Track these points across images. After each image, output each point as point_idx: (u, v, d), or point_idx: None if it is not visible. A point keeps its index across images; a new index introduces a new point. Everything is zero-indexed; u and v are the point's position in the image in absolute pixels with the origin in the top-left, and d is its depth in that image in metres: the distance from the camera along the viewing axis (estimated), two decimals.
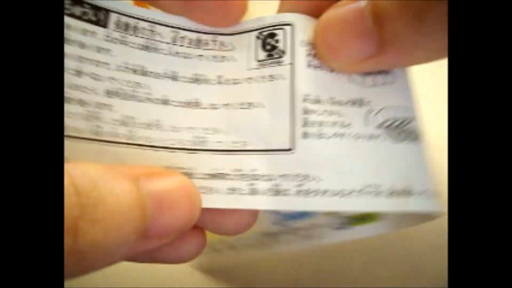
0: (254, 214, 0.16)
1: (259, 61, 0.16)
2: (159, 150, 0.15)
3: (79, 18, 0.16)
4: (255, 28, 0.17)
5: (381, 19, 0.14)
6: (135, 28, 0.16)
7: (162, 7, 0.17)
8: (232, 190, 0.15)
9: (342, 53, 0.15)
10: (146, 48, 0.16)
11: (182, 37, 0.17)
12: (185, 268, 0.26)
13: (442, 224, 0.21)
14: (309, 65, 0.16)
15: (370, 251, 0.26)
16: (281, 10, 0.18)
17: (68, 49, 0.15)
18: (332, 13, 0.15)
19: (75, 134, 0.15)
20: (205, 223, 0.16)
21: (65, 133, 0.15)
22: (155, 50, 0.16)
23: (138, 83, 0.16)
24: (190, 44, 0.17)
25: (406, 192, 0.15)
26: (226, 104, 0.16)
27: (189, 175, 0.15)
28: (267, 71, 0.16)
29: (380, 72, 0.16)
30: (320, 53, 0.16)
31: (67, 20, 0.16)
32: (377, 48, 0.15)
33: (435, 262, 0.25)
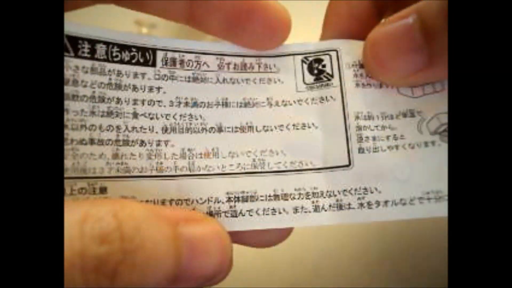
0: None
1: (307, 84, 0.17)
2: (219, 177, 0.16)
3: (128, 62, 0.17)
4: (300, 53, 0.17)
5: (429, 33, 0.15)
6: (182, 62, 0.17)
7: (208, 30, 0.17)
8: (297, 209, 0.16)
9: (393, 68, 0.16)
10: (194, 79, 0.17)
11: (227, 63, 0.17)
12: None
13: (442, 224, 0.21)
14: (357, 85, 0.17)
15: (370, 251, 0.26)
16: (324, 35, 0.19)
17: (122, 94, 0.16)
18: (381, 30, 0.16)
19: (139, 174, 0.16)
20: (243, 240, 0.16)
21: (130, 173, 0.16)
22: (204, 80, 0.17)
23: (191, 115, 0.17)
24: (235, 69, 0.17)
25: None
26: (280, 126, 0.17)
27: (251, 198, 0.16)
28: (317, 93, 0.17)
29: (428, 82, 0.17)
30: (371, 69, 0.17)
31: (118, 67, 0.16)
32: (427, 62, 0.15)
33: (435, 262, 0.25)
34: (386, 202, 0.16)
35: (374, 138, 0.16)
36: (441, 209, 0.15)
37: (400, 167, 0.16)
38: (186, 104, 0.17)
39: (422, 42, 0.15)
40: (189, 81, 0.17)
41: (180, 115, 0.16)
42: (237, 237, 0.16)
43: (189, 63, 0.17)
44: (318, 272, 0.26)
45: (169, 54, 0.17)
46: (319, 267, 0.26)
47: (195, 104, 0.17)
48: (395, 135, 0.16)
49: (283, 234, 0.16)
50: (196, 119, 0.17)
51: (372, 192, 0.16)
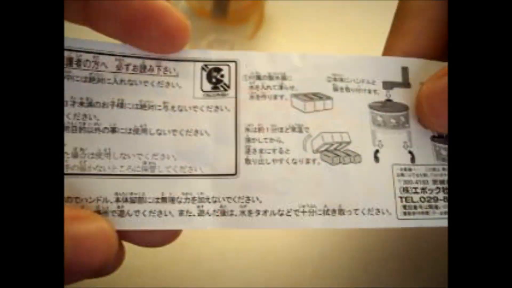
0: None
1: (204, 91, 0.18)
2: (110, 178, 0.16)
3: None
4: (201, 60, 0.18)
5: None
6: (79, 61, 0.17)
7: (106, 33, 0.17)
8: (182, 212, 0.16)
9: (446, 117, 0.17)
10: (91, 79, 0.17)
11: (126, 65, 0.17)
12: (185, 268, 0.26)
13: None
14: (252, 97, 0.18)
15: (370, 251, 0.26)
16: (392, 50, 0.19)
17: None
18: (435, 84, 0.17)
19: None
20: (131, 239, 0.17)
21: None
22: (100, 80, 0.17)
23: (85, 115, 0.17)
24: (134, 71, 0.17)
25: (338, 211, 0.17)
26: (174, 130, 0.17)
27: (139, 199, 0.16)
28: (213, 102, 0.17)
29: (320, 98, 0.18)
30: (426, 119, 0.18)
31: None
32: None
33: (435, 262, 0.25)
34: (265, 211, 0.17)
35: (261, 151, 0.17)
36: (314, 222, 0.17)
37: (281, 180, 0.17)
38: (81, 104, 0.17)
39: None
40: (85, 81, 0.17)
41: (74, 115, 0.16)
42: (126, 236, 0.16)
43: (86, 63, 0.17)
44: (318, 273, 0.26)
45: (66, 54, 0.17)
46: (319, 268, 0.26)
47: (90, 104, 0.17)
48: (281, 148, 0.17)
49: (169, 235, 0.17)
50: (90, 119, 0.17)
51: (253, 201, 0.17)
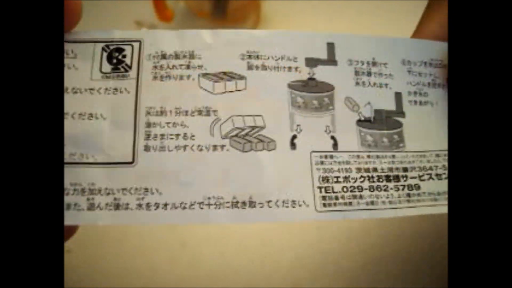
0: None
1: (103, 73, 0.16)
2: None
3: None
4: (102, 40, 0.16)
5: None
6: None
7: None
8: (70, 206, 0.15)
9: None
10: None
11: None
12: (185, 268, 0.26)
13: (442, 224, 0.21)
14: (155, 77, 0.16)
15: (370, 251, 0.26)
16: (422, 32, 0.19)
17: None
18: None
19: None
20: None
21: None
22: None
23: None
24: None
25: (248, 204, 0.15)
26: (65, 114, 0.15)
27: None
28: (112, 83, 0.16)
29: (232, 78, 0.16)
30: None
31: None
32: None
33: (435, 262, 0.25)
34: (165, 204, 0.15)
35: (162, 136, 0.15)
36: (221, 216, 0.15)
37: (185, 169, 0.15)
38: None
39: None
40: None
41: None
42: None
43: None
44: (318, 273, 0.26)
45: None
46: (319, 268, 0.26)
47: None
48: (185, 134, 0.16)
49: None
50: None
51: (152, 193, 0.15)
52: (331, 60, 0.17)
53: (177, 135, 0.16)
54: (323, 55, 0.17)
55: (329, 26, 0.35)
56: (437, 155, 0.17)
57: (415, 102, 0.18)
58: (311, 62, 0.17)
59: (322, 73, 0.17)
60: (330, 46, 0.17)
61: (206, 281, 0.26)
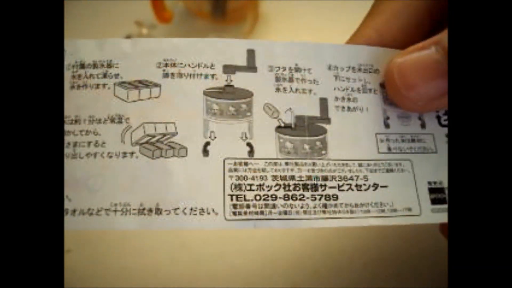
0: None
1: None
2: None
3: None
4: None
5: None
6: None
7: None
8: None
9: (421, 92, 0.17)
10: None
11: None
12: (185, 268, 0.26)
13: None
14: (72, 87, 0.16)
15: (370, 251, 0.26)
16: (364, 27, 0.19)
17: None
18: (408, 58, 0.17)
19: None
20: None
21: None
22: None
23: None
24: None
25: (155, 211, 0.15)
26: None
27: None
28: None
29: (146, 86, 0.16)
30: (395, 93, 0.17)
31: None
32: None
33: (435, 262, 0.25)
34: (74, 211, 0.15)
35: (75, 144, 0.15)
36: (128, 223, 0.15)
37: (94, 176, 0.15)
38: None
39: (446, 67, 0.16)
40: None
41: None
42: None
43: None
44: (318, 273, 0.26)
45: None
46: (319, 268, 0.26)
47: None
48: (97, 141, 0.16)
49: None
50: None
51: (64, 200, 0.15)
52: (251, 67, 0.17)
53: (89, 142, 0.16)
54: (243, 62, 0.17)
55: (328, 24, 0.35)
56: (360, 165, 0.17)
57: (343, 108, 0.18)
58: (229, 69, 0.17)
59: (241, 80, 0.17)
60: (250, 53, 0.17)
61: (206, 281, 0.26)
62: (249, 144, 0.16)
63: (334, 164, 0.17)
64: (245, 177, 0.16)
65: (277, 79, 0.17)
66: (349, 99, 0.18)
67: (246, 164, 0.16)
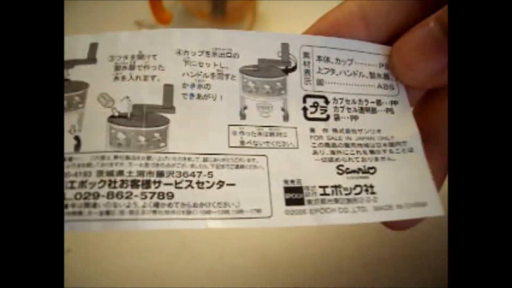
0: None
1: None
2: None
3: None
4: None
5: None
6: None
7: None
8: None
9: (420, 69, 0.17)
10: None
11: None
12: (185, 268, 0.26)
13: (442, 224, 0.21)
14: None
15: (370, 251, 0.26)
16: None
17: None
18: (406, 36, 0.17)
19: None
20: None
21: None
22: None
23: None
24: None
25: None
26: None
27: None
28: None
29: None
30: (398, 72, 0.18)
31: None
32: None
33: (435, 262, 0.25)
34: None
35: None
36: None
37: None
38: None
39: (445, 44, 0.16)
40: None
41: None
42: None
43: None
44: (318, 273, 0.26)
45: None
46: (319, 268, 0.26)
47: None
48: None
49: None
50: None
51: None
52: (90, 59, 0.16)
53: None
54: (84, 56, 0.16)
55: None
56: (205, 160, 0.15)
57: (192, 95, 0.16)
58: (68, 64, 0.16)
59: (79, 73, 0.16)
60: (92, 46, 0.16)
61: (206, 281, 0.26)
62: (76, 138, 0.15)
63: (174, 158, 0.15)
64: (68, 174, 0.14)
65: (117, 67, 0.16)
66: (200, 85, 0.16)
67: (70, 159, 0.14)
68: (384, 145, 0.18)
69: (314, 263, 0.26)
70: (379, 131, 0.18)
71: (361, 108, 0.18)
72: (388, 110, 0.18)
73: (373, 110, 0.18)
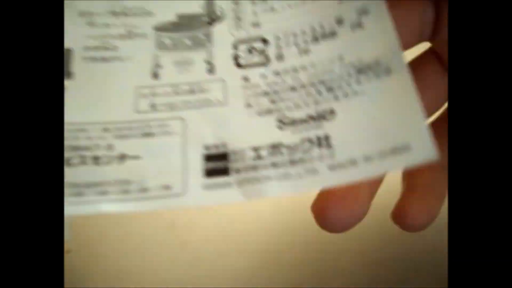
0: None
1: None
2: None
3: None
4: None
5: None
6: None
7: None
8: None
9: None
10: None
11: None
12: (185, 268, 0.26)
13: (442, 224, 0.21)
14: None
15: (370, 251, 0.26)
16: None
17: None
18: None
19: None
20: None
21: None
22: None
23: None
24: None
25: None
26: None
27: None
28: None
29: None
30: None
31: None
32: None
33: (435, 262, 0.25)
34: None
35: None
36: None
37: None
38: None
39: None
40: None
41: None
42: None
43: None
44: (318, 273, 0.26)
45: None
46: (319, 268, 0.26)
47: None
48: None
49: None
50: None
51: None
52: None
53: None
54: None
55: None
56: (105, 130, 0.13)
57: (94, 59, 0.14)
58: None
59: None
60: None
61: (206, 281, 0.26)
62: None
63: (67, 130, 0.13)
64: None
65: None
66: (106, 48, 0.15)
67: None
68: (349, 75, 0.14)
69: (314, 263, 0.26)
70: (341, 58, 0.14)
71: (314, 38, 0.15)
72: (355, 25, 0.15)
73: (333, 34, 0.15)
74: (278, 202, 0.27)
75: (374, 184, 0.16)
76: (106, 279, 0.25)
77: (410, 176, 0.17)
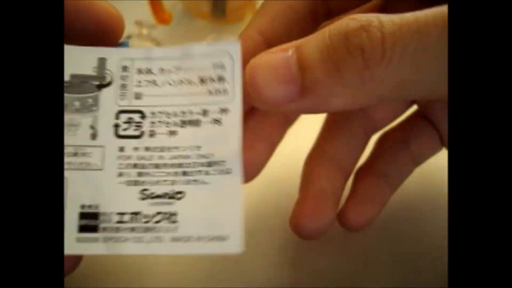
0: None
1: None
2: None
3: None
4: None
5: (304, 67, 0.16)
6: None
7: None
8: None
9: (267, 95, 0.16)
10: None
11: None
12: (185, 267, 0.26)
13: (442, 224, 0.21)
14: None
15: (370, 251, 0.26)
16: (250, 26, 0.20)
17: None
18: (262, 58, 0.17)
19: None
20: None
21: None
22: None
23: None
24: None
25: None
26: None
27: None
28: None
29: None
30: (249, 92, 0.17)
31: None
32: (298, 93, 0.16)
33: (435, 262, 0.25)
34: None
35: None
36: None
37: None
38: None
39: (297, 74, 0.16)
40: None
41: None
42: None
43: None
44: (318, 273, 0.26)
45: None
46: (319, 268, 0.26)
47: None
48: None
49: None
50: None
51: None
52: None
53: None
54: None
55: None
56: None
57: None
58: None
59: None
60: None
61: (206, 281, 0.26)
62: None
63: None
64: None
65: None
66: None
67: None
68: (201, 165, 0.16)
69: (314, 263, 0.26)
70: (198, 148, 0.17)
71: (183, 122, 0.17)
72: (215, 121, 0.17)
73: (197, 123, 0.17)
74: (279, 207, 0.27)
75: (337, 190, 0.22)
76: (106, 279, 0.25)
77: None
